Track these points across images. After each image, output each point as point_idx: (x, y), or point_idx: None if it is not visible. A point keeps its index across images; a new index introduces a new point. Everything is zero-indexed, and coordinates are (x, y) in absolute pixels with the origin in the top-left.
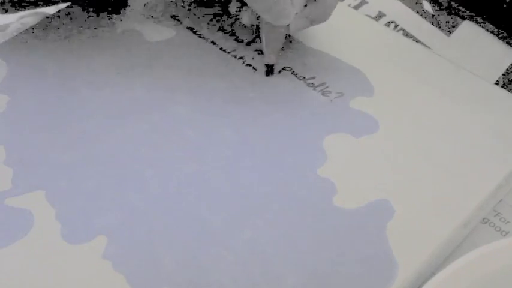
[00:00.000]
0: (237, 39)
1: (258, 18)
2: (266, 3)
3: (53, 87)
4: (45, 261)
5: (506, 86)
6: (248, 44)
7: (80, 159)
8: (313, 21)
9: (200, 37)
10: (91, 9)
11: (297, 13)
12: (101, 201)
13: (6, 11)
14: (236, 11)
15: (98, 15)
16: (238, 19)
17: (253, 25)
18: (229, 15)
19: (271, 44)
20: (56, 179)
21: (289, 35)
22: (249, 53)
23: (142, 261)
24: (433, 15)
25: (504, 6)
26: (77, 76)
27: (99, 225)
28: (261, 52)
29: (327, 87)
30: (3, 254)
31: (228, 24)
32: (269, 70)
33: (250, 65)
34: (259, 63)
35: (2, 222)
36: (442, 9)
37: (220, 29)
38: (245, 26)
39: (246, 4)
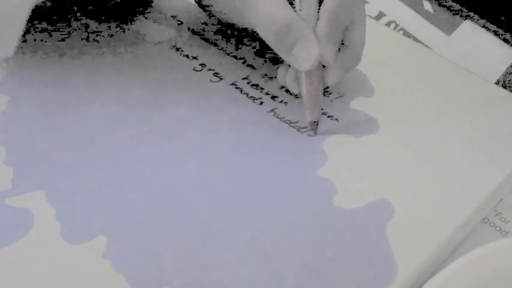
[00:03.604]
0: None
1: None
2: (286, 43)
3: (53, 87)
4: (45, 260)
5: (506, 86)
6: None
7: (80, 159)
8: (347, 68)
9: (201, 38)
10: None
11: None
12: (101, 201)
13: None
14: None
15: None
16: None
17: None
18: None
19: (312, 98)
20: (56, 179)
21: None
22: (250, 54)
23: (142, 261)
24: (433, 15)
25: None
26: (77, 76)
27: (99, 225)
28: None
29: (327, 88)
30: (3, 254)
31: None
32: (315, 127)
33: (250, 65)
34: (260, 64)
35: (2, 222)
36: (442, 9)
37: (220, 30)
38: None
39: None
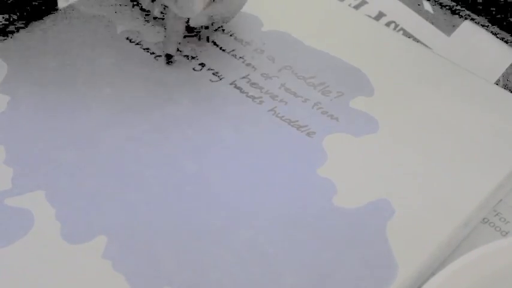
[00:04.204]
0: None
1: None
2: None
3: (53, 87)
4: (45, 261)
5: (506, 86)
6: (155, 18)
7: (80, 159)
8: (214, 21)
9: (199, 37)
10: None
11: (204, 8)
12: (101, 201)
13: None
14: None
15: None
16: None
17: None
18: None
19: (172, 36)
20: (56, 179)
21: (198, 33)
22: (248, 53)
23: (142, 261)
24: (433, 15)
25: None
26: (77, 76)
27: (99, 225)
28: (261, 51)
29: (327, 86)
30: (3, 254)
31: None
32: (169, 60)
33: (250, 64)
34: (260, 63)
35: (2, 222)
36: (442, 9)
37: (220, 28)
38: (156, 18)
39: None
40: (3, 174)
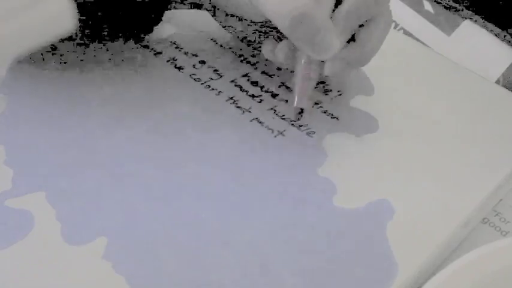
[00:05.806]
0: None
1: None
2: (308, 32)
3: (53, 87)
4: (46, 262)
5: (506, 86)
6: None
7: (80, 159)
8: (350, 65)
9: (201, 34)
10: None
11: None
12: (101, 201)
13: None
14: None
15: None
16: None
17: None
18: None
19: (304, 85)
20: (56, 179)
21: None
22: (250, 52)
23: (143, 262)
24: (433, 15)
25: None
26: (77, 76)
27: (99, 226)
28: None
29: (327, 85)
30: (3, 255)
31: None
32: (299, 115)
33: (250, 63)
34: (261, 62)
35: (2, 223)
36: (442, 9)
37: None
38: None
39: (281, 39)
40: (4, 175)
